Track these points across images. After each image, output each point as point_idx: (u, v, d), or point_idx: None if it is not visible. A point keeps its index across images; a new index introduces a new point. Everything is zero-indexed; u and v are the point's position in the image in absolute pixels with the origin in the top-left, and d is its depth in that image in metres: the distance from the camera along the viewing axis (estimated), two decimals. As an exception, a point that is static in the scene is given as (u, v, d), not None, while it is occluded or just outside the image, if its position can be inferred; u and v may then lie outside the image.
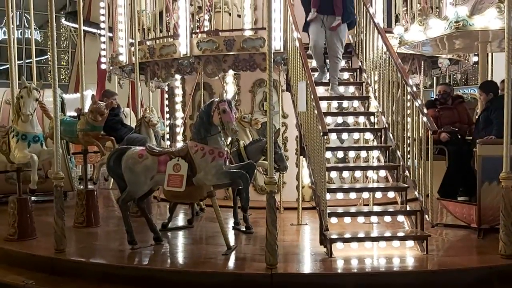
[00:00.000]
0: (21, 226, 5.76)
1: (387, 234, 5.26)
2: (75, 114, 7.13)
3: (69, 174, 8.05)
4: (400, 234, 5.22)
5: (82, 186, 7.07)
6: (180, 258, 5.27)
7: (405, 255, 4.92)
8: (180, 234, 6.17)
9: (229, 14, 7.74)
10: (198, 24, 7.75)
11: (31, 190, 5.99)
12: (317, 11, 6.39)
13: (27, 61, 24.30)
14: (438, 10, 7.84)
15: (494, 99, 5.60)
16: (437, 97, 6.91)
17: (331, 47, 6.46)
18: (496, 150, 4.73)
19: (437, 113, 6.38)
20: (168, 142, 9.58)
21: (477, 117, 5.87)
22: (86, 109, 6.59)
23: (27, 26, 25.24)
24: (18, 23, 25.21)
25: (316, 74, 6.61)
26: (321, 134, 4.98)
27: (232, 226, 6.24)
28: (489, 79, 8.09)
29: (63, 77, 28.00)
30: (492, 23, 5.12)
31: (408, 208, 5.40)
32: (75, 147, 8.54)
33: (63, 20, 22.27)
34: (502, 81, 4.89)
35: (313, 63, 6.67)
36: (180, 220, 6.93)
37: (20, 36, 25.05)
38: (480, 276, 4.50)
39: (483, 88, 6.00)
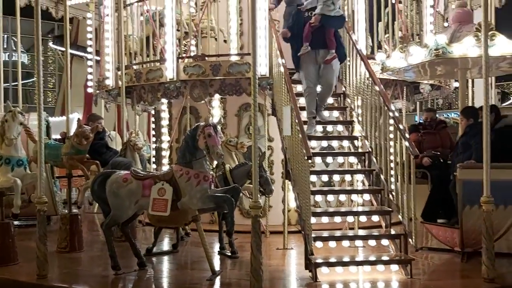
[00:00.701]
0: (3, 251, 5.67)
1: (372, 258, 5.27)
2: (60, 137, 7.12)
3: (53, 198, 7.97)
4: (385, 258, 5.24)
5: (66, 210, 7.00)
6: (165, 283, 5.22)
7: (390, 279, 4.94)
8: (165, 259, 6.11)
9: (215, 39, 7.85)
10: (185, 49, 7.84)
11: (14, 215, 5.93)
12: (310, 45, 6.29)
13: (13, 83, 24.19)
14: (419, 37, 8.04)
15: (473, 125, 5.73)
16: (423, 122, 7.06)
17: (325, 80, 6.35)
18: (476, 174, 4.82)
19: (420, 138, 6.50)
20: (154, 166, 9.56)
21: (456, 141, 5.99)
22: (71, 133, 6.58)
23: (14, 49, 25.22)
24: (5, 46, 25.21)
25: (317, 159, 6.30)
26: (306, 157, 5.03)
27: (218, 251, 6.21)
28: (469, 104, 8.29)
29: (50, 99, 27.90)
30: (470, 50, 5.28)
31: (392, 232, 5.44)
32: (60, 170, 8.48)
33: (50, 44, 22.30)
34: (481, 108, 5.02)
35: (301, 101, 6.44)
36: (165, 244, 6.87)
37: (7, 59, 25.02)
38: (464, 300, 4.51)
39: (464, 114, 6.14)
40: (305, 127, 5.90)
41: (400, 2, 8.05)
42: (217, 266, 5.40)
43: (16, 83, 9.76)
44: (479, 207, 4.82)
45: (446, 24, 8.53)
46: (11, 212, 5.93)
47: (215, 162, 6.05)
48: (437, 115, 7.29)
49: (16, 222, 6.67)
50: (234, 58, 7.41)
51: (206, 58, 7.56)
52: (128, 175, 5.29)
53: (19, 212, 5.93)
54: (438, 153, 6.33)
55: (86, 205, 9.56)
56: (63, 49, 16.76)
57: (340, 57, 6.40)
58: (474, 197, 4.98)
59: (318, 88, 6.44)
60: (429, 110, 7.23)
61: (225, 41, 7.79)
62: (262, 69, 7.02)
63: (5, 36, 23.41)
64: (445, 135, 6.74)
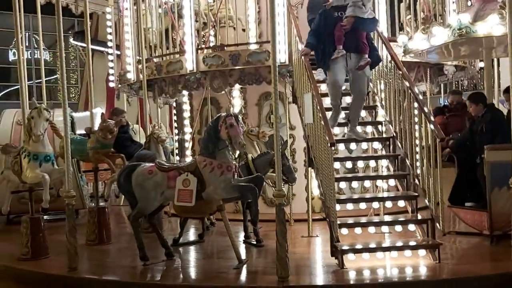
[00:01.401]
0: (34, 245, 5.82)
1: (399, 243, 5.23)
2: (85, 132, 7.23)
3: (80, 192, 8.12)
4: (412, 243, 5.18)
5: (93, 204, 7.13)
6: (192, 273, 5.28)
7: (417, 264, 4.89)
8: (192, 249, 6.18)
9: (234, 28, 7.81)
10: (203, 39, 7.83)
11: (43, 209, 6.07)
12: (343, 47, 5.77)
13: (37, 81, 24.64)
14: (441, 18, 7.85)
15: (489, 110, 5.64)
16: (448, 105, 6.90)
17: (358, 87, 5.86)
18: (504, 155, 4.72)
19: (446, 121, 6.37)
20: (177, 158, 9.64)
21: (479, 128, 5.83)
22: (95, 128, 6.67)
23: (36, 47, 25.65)
24: (27, 44, 25.65)
25: (329, 113, 5.91)
26: (329, 145, 4.99)
27: (243, 240, 6.25)
28: (495, 84, 8.08)
29: (73, 95, 28.33)
30: (494, 29, 5.14)
31: (419, 217, 5.37)
32: (86, 165, 8.62)
33: (71, 40, 22.60)
34: (506, 90, 4.91)
35: (326, 101, 6.06)
36: (191, 235, 6.95)
37: (30, 57, 25.47)
38: (494, 283, 4.46)
39: (472, 100, 6.01)
40: (328, 114, 5.73)
41: (421, -17, 7.87)
42: (243, 255, 5.44)
43: (40, 80, 9.90)
44: (508, 188, 4.72)
45: (469, 3, 8.30)
46: (41, 207, 6.06)
47: (238, 152, 6.05)
48: (463, 98, 7.11)
49: (45, 217, 6.82)
50: (253, 47, 7.38)
51: (225, 48, 7.54)
52: (153, 167, 5.35)
53: (48, 206, 6.05)
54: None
55: (112, 198, 9.72)
56: (84, 45, 16.98)
57: (374, 61, 5.93)
58: (502, 179, 4.88)
59: (347, 99, 6.09)
60: (454, 92, 7.08)
61: (243, 30, 7.75)
62: (282, 56, 6.97)
63: (27, 34, 23.85)
64: (471, 116, 6.59)
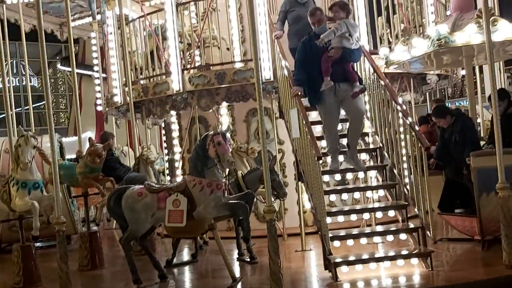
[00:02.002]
0: (26, 274, 5.75)
1: (391, 253, 5.25)
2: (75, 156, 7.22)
3: (71, 217, 8.07)
4: (404, 252, 5.21)
5: (84, 229, 7.08)
6: (187, 294, 5.25)
7: (411, 273, 4.91)
8: (186, 269, 6.15)
9: (218, 48, 7.90)
10: (189, 59, 7.90)
11: (34, 237, 6.01)
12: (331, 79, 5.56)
13: (25, 107, 24.56)
14: (421, 28, 8.00)
15: (460, 118, 5.76)
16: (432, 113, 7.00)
17: (354, 106, 5.60)
18: (490, 161, 4.79)
19: (430, 129, 6.46)
20: (168, 178, 9.63)
21: (452, 138, 5.88)
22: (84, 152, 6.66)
23: (24, 73, 25.62)
24: (15, 71, 25.62)
25: (328, 159, 5.85)
26: (316, 158, 5.04)
27: (237, 257, 6.23)
28: (478, 90, 8.21)
29: (62, 120, 28.26)
30: (472, 38, 5.25)
31: (410, 226, 5.40)
32: (76, 190, 8.59)
33: (58, 65, 22.63)
34: (490, 97, 5.00)
35: (323, 143, 5.91)
36: (185, 255, 6.91)
37: (18, 84, 25.42)
38: (487, 288, 4.48)
39: (438, 115, 6.12)
40: (314, 128, 5.72)
41: (399, -5, 8.02)
42: (237, 273, 5.43)
43: (28, 106, 9.90)
44: (495, 194, 4.78)
45: (448, 13, 8.47)
46: (31, 235, 6.02)
47: (227, 170, 6.07)
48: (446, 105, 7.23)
49: (37, 244, 6.76)
50: (238, 65, 7.46)
51: (211, 67, 7.61)
52: (142, 189, 5.35)
53: (39, 234, 6.01)
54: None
55: (104, 222, 9.66)
56: (71, 69, 17.02)
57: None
58: (489, 185, 4.94)
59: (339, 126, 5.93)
60: (438, 101, 7.23)
61: (228, 49, 7.83)
62: (266, 73, 7.05)
63: (14, 61, 23.84)
64: None
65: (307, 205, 7.05)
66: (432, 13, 8.11)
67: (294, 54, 6.07)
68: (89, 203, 7.07)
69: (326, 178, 5.92)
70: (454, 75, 8.62)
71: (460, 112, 6.21)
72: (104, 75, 10.14)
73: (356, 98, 5.59)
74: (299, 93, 5.63)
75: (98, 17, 9.75)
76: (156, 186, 5.49)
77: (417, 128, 5.35)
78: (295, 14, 6.63)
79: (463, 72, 8.28)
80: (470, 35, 5.25)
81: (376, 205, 5.99)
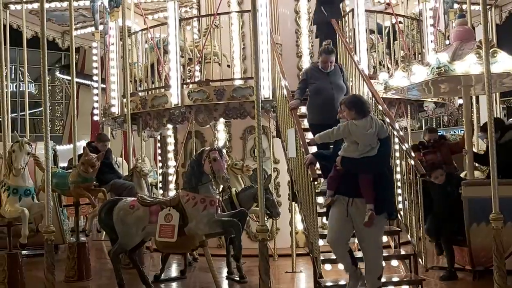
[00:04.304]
0: (11, 282, 5.66)
1: (382, 279, 5.19)
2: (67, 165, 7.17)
3: (61, 227, 7.97)
4: (395, 279, 5.15)
5: (74, 239, 7.00)
6: (173, 310, 5.17)
7: (401, 300, 4.86)
8: (173, 285, 6.07)
9: (219, 64, 7.94)
10: (189, 74, 7.93)
11: (21, 245, 5.93)
12: (338, 192, 4.24)
13: (21, 113, 24.49)
14: (421, 56, 8.09)
15: None
16: (425, 142, 7.05)
17: (367, 245, 4.26)
18: (482, 191, 4.79)
19: (421, 157, 6.49)
20: (161, 191, 9.57)
21: None
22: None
23: (22, 79, 25.60)
24: (13, 77, 25.61)
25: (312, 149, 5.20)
26: (311, 179, 5.01)
27: (226, 276, 6.16)
28: (474, 120, 8.25)
29: (57, 128, 28.16)
30: (472, 68, 5.29)
31: (402, 252, 5.37)
32: (67, 199, 8.51)
33: (57, 73, 22.66)
34: (483, 127, 5.03)
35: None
36: (173, 271, 6.83)
37: (15, 89, 25.38)
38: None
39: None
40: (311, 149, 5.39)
41: (400, 22, 8.12)
42: (225, 292, 5.36)
43: (24, 113, 9.88)
44: (486, 224, 4.76)
45: (447, 42, 8.58)
46: (19, 242, 5.93)
47: (221, 186, 6.04)
48: (438, 134, 7.28)
49: (24, 252, 6.66)
50: (237, 82, 7.48)
51: (210, 83, 7.63)
52: (135, 201, 5.31)
53: (27, 241, 5.93)
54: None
55: (94, 233, 9.56)
56: (70, 78, 17.04)
57: (390, 214, 4.34)
58: (480, 214, 4.92)
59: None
60: (431, 131, 7.16)
61: (228, 65, 7.88)
62: (265, 92, 7.08)
63: (13, 66, 23.85)
64: (446, 151, 6.75)
65: (300, 226, 7.02)
66: (431, 41, 8.21)
67: (314, 130, 5.33)
68: (79, 213, 6.99)
69: (320, 199, 5.89)
70: (451, 104, 8.70)
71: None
72: (103, 85, 10.14)
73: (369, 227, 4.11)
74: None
75: (101, 27, 9.79)
76: (149, 199, 5.45)
77: (412, 154, 5.35)
78: (317, 86, 5.72)
79: (460, 101, 8.36)
80: (469, 65, 5.29)
81: (369, 229, 5.94)
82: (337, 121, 4.42)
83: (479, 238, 5.20)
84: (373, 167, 4.10)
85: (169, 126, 8.51)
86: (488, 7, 11.18)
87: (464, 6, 9.76)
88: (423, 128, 11.38)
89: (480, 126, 6.05)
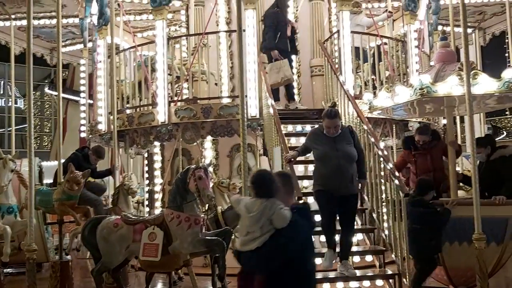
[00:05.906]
0: (-9, 301, 5.57)
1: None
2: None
3: (44, 244, 7.85)
4: (380, 299, 5.16)
5: (58, 257, 6.91)
6: (156, 331, 5.10)
7: (385, 320, 4.85)
8: (157, 305, 6.00)
9: (207, 82, 7.99)
10: (177, 92, 7.96)
11: (3, 263, 5.84)
12: None
13: (9, 129, 24.29)
14: (405, 76, 8.21)
15: None
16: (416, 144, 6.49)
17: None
18: (462, 210, 4.83)
19: (411, 159, 6.16)
20: (147, 209, 9.50)
21: None
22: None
23: (11, 94, 25.45)
24: (1, 92, 25.48)
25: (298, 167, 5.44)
26: (296, 198, 5.02)
27: (211, 295, 6.09)
28: (459, 140, 8.30)
29: (46, 144, 27.95)
30: (454, 89, 5.36)
31: (387, 272, 5.37)
32: (52, 216, 8.41)
33: (46, 89, 22.59)
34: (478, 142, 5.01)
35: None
36: (158, 290, 6.75)
37: (3, 105, 25.23)
38: None
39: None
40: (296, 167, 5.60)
41: (385, 44, 8.26)
42: (210, 312, 5.30)
43: (11, 128, 9.82)
44: (468, 244, 4.78)
45: (432, 63, 8.73)
46: (0, 260, 5.84)
47: (207, 205, 6.02)
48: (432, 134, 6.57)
49: (6, 270, 6.56)
50: (225, 101, 7.52)
51: (198, 101, 7.66)
52: (119, 220, 5.27)
53: (8, 260, 5.83)
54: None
55: (84, 251, 9.43)
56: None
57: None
58: (462, 234, 4.93)
59: None
60: (421, 132, 6.13)
61: (216, 84, 7.92)
62: (252, 110, 7.12)
63: (2, 82, 23.75)
64: (437, 154, 6.05)
65: (286, 245, 6.98)
66: (416, 62, 8.35)
67: (318, 198, 5.16)
68: (63, 231, 6.91)
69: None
70: (436, 124, 8.81)
71: None
72: (90, 101, 10.12)
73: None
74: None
75: (89, 44, 9.82)
76: (133, 217, 5.41)
77: (397, 174, 5.39)
78: (321, 153, 5.12)
79: (444, 121, 8.45)
80: (451, 86, 5.37)
81: (354, 248, 5.95)
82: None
83: (453, 257, 5.13)
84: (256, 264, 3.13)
85: (156, 143, 8.50)
86: (472, 29, 11.46)
87: (447, 29, 9.98)
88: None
89: (476, 140, 5.52)
